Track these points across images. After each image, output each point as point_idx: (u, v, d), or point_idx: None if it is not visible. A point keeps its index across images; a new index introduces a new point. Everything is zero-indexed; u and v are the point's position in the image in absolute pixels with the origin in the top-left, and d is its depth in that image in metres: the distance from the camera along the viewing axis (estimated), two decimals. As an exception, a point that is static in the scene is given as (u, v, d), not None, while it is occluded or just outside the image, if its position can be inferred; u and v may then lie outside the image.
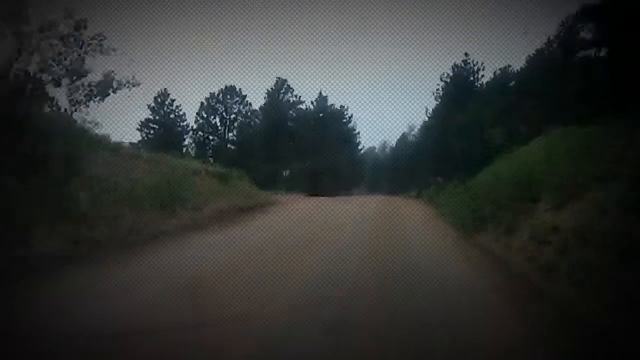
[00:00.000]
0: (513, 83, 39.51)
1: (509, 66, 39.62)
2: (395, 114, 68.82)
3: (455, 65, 40.59)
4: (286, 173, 30.20)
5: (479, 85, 40.22)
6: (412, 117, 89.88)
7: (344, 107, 54.16)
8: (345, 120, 55.00)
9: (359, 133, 56.96)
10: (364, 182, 71.13)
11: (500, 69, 41.07)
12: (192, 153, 39.67)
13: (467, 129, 26.29)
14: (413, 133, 59.80)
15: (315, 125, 45.21)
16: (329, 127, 47.82)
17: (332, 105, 49.06)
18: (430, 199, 25.45)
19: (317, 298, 5.16)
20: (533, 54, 40.36)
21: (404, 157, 57.82)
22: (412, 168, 52.22)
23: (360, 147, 59.67)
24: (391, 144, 69.96)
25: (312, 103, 47.23)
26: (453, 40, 62.52)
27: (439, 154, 35.92)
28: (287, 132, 38.09)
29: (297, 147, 40.88)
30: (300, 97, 38.94)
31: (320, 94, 48.18)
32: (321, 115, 47.93)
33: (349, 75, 69.22)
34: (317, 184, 40.16)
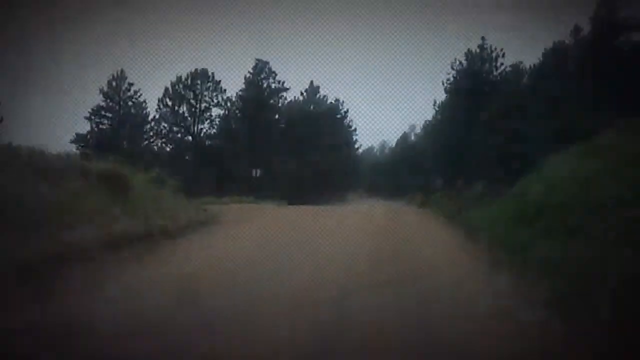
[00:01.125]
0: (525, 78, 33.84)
1: (521, 62, 33.25)
2: (395, 112, 62.43)
3: (468, 51, 34.22)
4: (256, 173, 23.69)
5: (497, 74, 33.95)
6: (414, 115, 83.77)
7: (338, 100, 47.97)
8: (339, 116, 48.75)
9: (355, 130, 50.74)
10: (361, 185, 65.23)
11: (510, 65, 34.78)
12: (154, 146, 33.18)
13: (499, 121, 19.91)
14: (415, 132, 54.20)
15: (304, 118, 38.77)
16: (321, 121, 41.50)
17: (325, 96, 42.68)
18: (450, 215, 18.98)
19: None
20: (549, 48, 34.33)
21: (406, 158, 52.17)
22: (415, 170, 46.43)
23: (357, 146, 53.61)
24: (391, 144, 64.30)
25: (302, 94, 40.93)
26: (456, 32, 55.94)
27: (453, 152, 29.57)
28: (269, 125, 31.61)
29: (282, 144, 34.41)
30: (283, 82, 32.40)
31: (311, 83, 41.82)
32: (312, 107, 41.51)
33: (343, 68, 62.59)
34: (303, 189, 33.72)
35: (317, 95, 42.00)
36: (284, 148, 35.15)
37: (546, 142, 18.57)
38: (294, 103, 39.81)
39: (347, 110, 47.89)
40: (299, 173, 33.56)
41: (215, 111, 33.50)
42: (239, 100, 31.80)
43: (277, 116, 33.38)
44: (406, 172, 49.98)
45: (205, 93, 32.87)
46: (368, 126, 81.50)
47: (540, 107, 20.99)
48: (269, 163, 29.57)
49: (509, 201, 13.77)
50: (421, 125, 51.22)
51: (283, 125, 35.46)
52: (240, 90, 31.63)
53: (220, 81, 33.08)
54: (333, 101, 46.90)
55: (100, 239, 7.38)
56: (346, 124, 49.63)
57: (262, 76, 31.71)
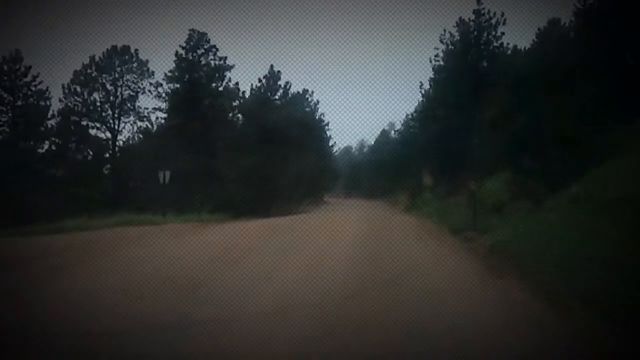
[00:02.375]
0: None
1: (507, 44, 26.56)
2: (374, 109, 55.95)
3: (460, 20, 27.59)
4: (164, 178, 16.16)
5: (497, 45, 27.36)
6: (393, 113, 77.87)
7: (307, 90, 41.00)
8: (308, 109, 41.74)
9: (327, 124, 43.88)
10: (338, 186, 59.52)
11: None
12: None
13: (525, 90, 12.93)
14: (395, 128, 48.44)
15: (261, 109, 31.55)
16: (284, 112, 34.42)
17: (288, 83, 35.61)
18: (459, 226, 12.17)
19: None
20: (544, 27, 28.29)
21: (387, 155, 45.12)
22: (398, 167, 39.83)
23: (331, 144, 46.88)
24: (370, 143, 58.64)
25: (260, 80, 33.76)
26: (438, 22, 49.05)
27: (449, 142, 22.73)
28: (209, 114, 24.19)
29: (232, 141, 27.08)
30: (225, 58, 24.93)
31: (271, 67, 34.73)
32: (273, 96, 34.33)
33: (316, 62, 55.43)
34: (261, 196, 26.58)
35: (279, 83, 34.85)
36: (236, 146, 27.89)
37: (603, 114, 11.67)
38: (252, 95, 32.74)
39: (318, 102, 41.04)
40: (254, 177, 26.28)
41: (146, 101, 26.05)
42: (169, 81, 24.26)
43: (222, 103, 25.91)
44: (388, 170, 43.94)
45: (128, 77, 25.34)
46: (345, 125, 74.80)
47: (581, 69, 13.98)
48: (205, 163, 22.17)
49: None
50: (402, 121, 45.45)
51: (233, 116, 28.15)
52: (170, 71, 24.15)
53: (147, 61, 25.61)
54: (300, 91, 39.98)
55: None
56: (317, 117, 42.79)
57: (198, 51, 24.24)
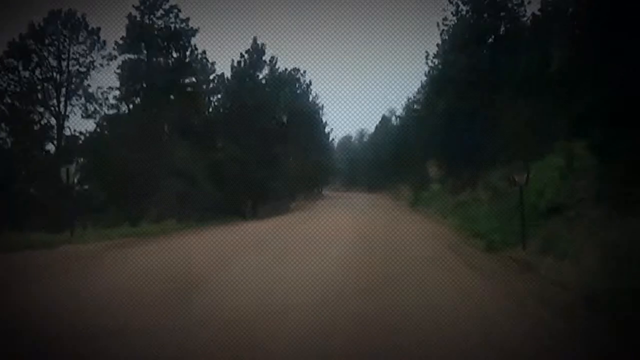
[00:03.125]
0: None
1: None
2: (373, 95, 51.74)
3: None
4: (68, 175, 11.43)
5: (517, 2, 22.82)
6: (393, 99, 73.70)
7: (298, 69, 36.60)
8: (299, 91, 37.33)
9: (322, 108, 39.63)
10: (337, 178, 56.33)
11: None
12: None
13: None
14: (397, 114, 44.29)
15: (242, 90, 27.29)
16: (271, 93, 30.19)
17: (274, 58, 31.20)
18: (484, 234, 7.97)
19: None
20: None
21: (387, 145, 41.78)
22: (400, 158, 35.31)
23: (327, 131, 42.77)
24: (370, 131, 55.35)
25: (242, 55, 29.42)
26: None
27: (462, 130, 18.28)
28: (172, 91, 19.74)
29: (204, 127, 22.74)
30: (188, 18, 20.26)
31: (255, 41, 30.32)
32: (256, 73, 29.86)
33: (309, 46, 50.84)
34: (240, 194, 22.60)
35: (263, 58, 30.28)
36: (210, 131, 23.59)
37: None
38: (233, 73, 28.50)
39: (311, 83, 36.72)
40: (230, 169, 22.07)
41: (100, 78, 21.66)
42: (120, 54, 19.74)
43: (194, 82, 21.48)
44: (389, 160, 40.06)
45: (75, 48, 20.88)
46: (344, 113, 70.57)
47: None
48: (168, 156, 17.82)
49: None
50: (403, 106, 41.51)
51: (216, 101, 23.77)
52: (121, 38, 19.63)
53: (99, 29, 21.10)
54: (291, 70, 35.42)
55: None
56: (311, 100, 38.39)
57: (156, 14, 19.68)
